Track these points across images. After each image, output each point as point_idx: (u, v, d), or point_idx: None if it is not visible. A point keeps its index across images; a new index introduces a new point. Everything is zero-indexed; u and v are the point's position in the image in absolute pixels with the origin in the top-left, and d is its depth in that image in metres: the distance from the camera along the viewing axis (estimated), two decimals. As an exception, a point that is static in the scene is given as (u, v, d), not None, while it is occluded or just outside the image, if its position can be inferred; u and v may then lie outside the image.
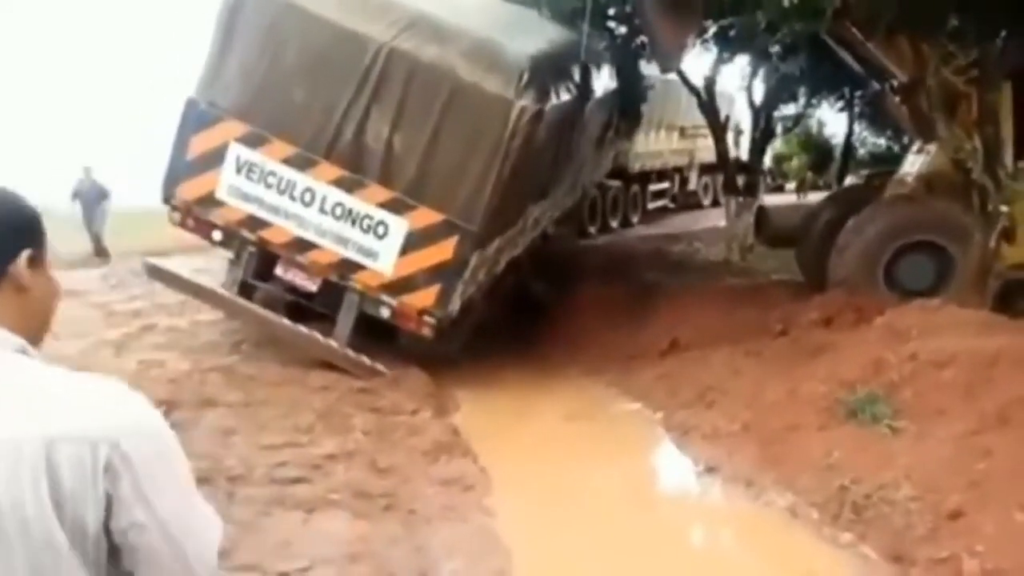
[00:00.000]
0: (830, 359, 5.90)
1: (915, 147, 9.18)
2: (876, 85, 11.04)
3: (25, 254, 1.22)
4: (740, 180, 13.55)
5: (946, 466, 4.22)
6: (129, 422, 1.14)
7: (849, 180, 16.39)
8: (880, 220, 7.83)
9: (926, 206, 7.94)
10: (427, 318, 6.94)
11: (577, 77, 8.25)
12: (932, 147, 8.34)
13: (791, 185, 23.07)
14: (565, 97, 7.77)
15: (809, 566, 4.13)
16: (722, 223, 16.45)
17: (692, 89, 12.85)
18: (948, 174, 7.77)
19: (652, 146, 17.37)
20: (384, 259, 6.93)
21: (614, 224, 16.84)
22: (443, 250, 6.86)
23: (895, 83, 8.59)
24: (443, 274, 6.89)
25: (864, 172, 15.45)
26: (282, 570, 3.83)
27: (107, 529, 1.12)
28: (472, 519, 4.71)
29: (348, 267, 6.95)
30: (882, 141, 17.36)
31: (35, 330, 1.26)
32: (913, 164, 8.84)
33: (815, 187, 22.38)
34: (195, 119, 7.04)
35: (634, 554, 4.42)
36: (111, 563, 1.15)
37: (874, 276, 7.70)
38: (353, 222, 6.93)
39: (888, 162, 15.47)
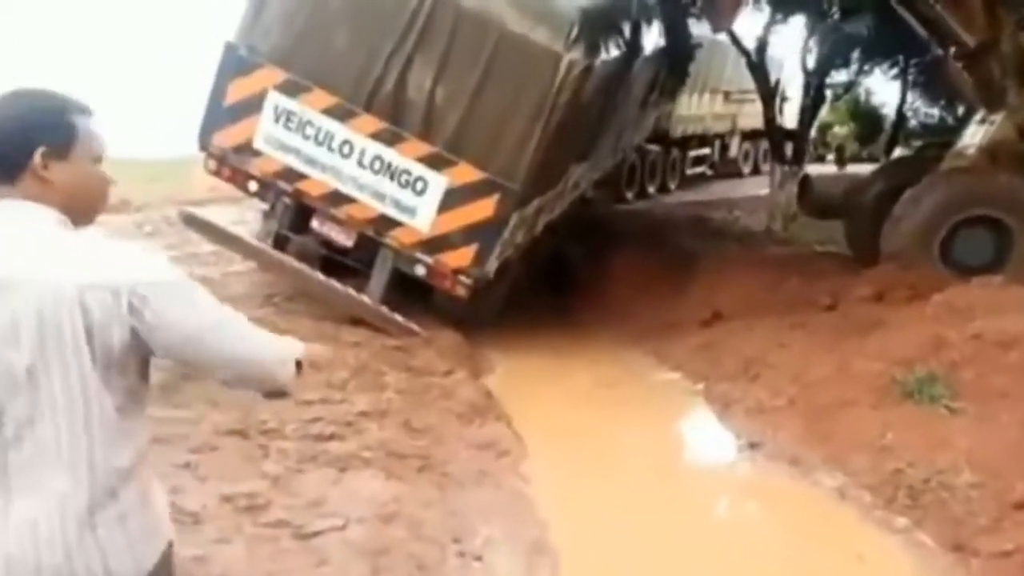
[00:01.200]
0: (883, 335, 5.65)
1: (977, 117, 8.75)
2: (935, 51, 10.54)
3: (39, 151, 1.45)
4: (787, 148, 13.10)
5: (1010, 452, 4.00)
6: (146, 274, 1.45)
7: (898, 152, 15.85)
8: (939, 192, 7.48)
9: (988, 179, 7.55)
10: (463, 278, 6.77)
11: (627, 32, 7.95)
12: (997, 117, 7.93)
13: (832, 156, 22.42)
14: (614, 53, 7.49)
15: (859, 550, 3.95)
16: (762, 192, 16.06)
17: (743, 51, 12.40)
18: (1014, 145, 7.38)
19: (695, 110, 16.93)
20: (421, 216, 6.75)
21: (652, 190, 16.49)
22: (482, 208, 6.66)
23: (959, 48, 8.15)
24: (481, 233, 6.70)
25: (915, 143, 14.97)
26: (316, 528, 3.73)
27: (139, 348, 1.45)
28: (507, 485, 4.59)
29: (384, 223, 6.79)
30: (935, 111, 16.71)
31: (72, 214, 1.51)
32: (975, 135, 8.43)
33: (857, 159, 21.76)
34: (233, 64, 6.87)
35: (673, 529, 4.28)
36: (142, 378, 1.51)
37: (929, 251, 7.37)
38: (391, 177, 6.75)
39: (941, 133, 14.92)
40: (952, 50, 8.37)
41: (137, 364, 1.49)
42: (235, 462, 4.33)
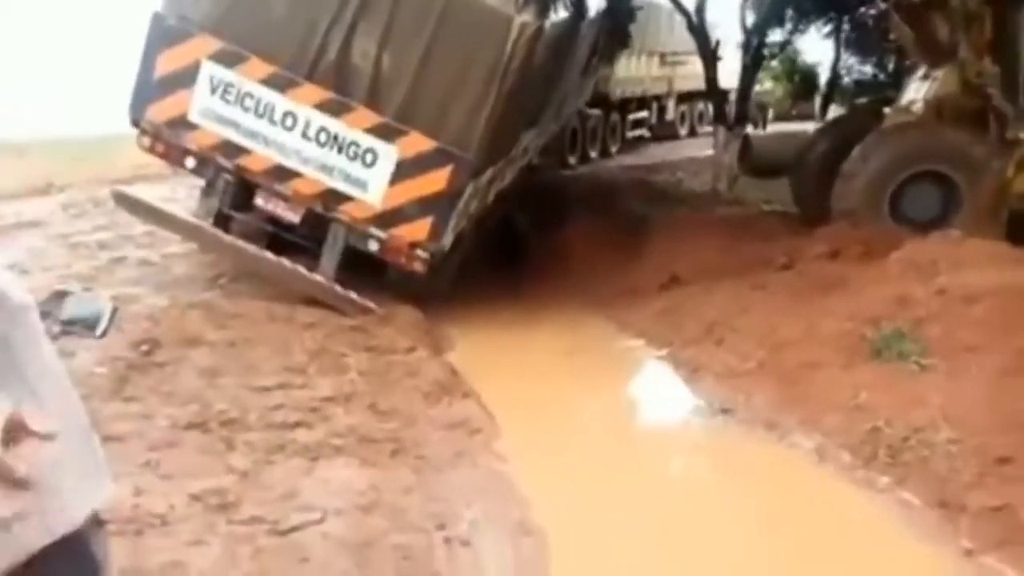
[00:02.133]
0: (847, 294, 5.68)
1: (919, 73, 8.87)
2: (868, 8, 10.66)
3: None
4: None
5: (985, 407, 4.05)
6: None
7: (834, 109, 16.10)
8: (888, 148, 7.56)
9: (935, 134, 7.66)
10: (419, 252, 6.56)
11: (573, -7, 7.77)
12: (940, 72, 8.03)
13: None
14: (562, 14, 7.30)
15: (843, 511, 3.96)
16: (703, 154, 16.16)
17: (683, 12, 12.32)
18: (959, 100, 7.49)
19: (633, 72, 16.88)
20: (373, 189, 6.50)
21: (594, 154, 16.44)
22: (436, 180, 6.44)
23: (901, 3, 8.22)
24: (436, 205, 6.49)
25: (851, 101, 15.20)
26: (293, 523, 3.54)
27: None
28: (484, 464, 4.45)
29: (334, 197, 6.51)
30: (867, 69, 17.03)
31: None
32: (918, 90, 8.54)
33: (785, 117, 22.06)
34: (163, 35, 6.45)
35: (654, 499, 4.23)
36: None
37: (879, 207, 7.47)
38: (339, 149, 6.46)
39: (875, 90, 15.17)
40: (893, 4, 8.43)
41: None
42: (198, 457, 4.10)
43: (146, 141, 6.67)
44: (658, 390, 5.90)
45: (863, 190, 7.49)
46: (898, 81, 14.39)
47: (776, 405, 4.87)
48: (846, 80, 17.37)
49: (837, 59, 16.36)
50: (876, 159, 7.52)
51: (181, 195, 10.07)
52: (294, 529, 3.51)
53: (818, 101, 19.25)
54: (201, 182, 7.17)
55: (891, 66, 15.83)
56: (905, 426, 4.15)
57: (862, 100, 13.62)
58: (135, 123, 6.62)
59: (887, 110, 9.69)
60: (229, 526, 3.49)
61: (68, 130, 13.28)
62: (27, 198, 10.60)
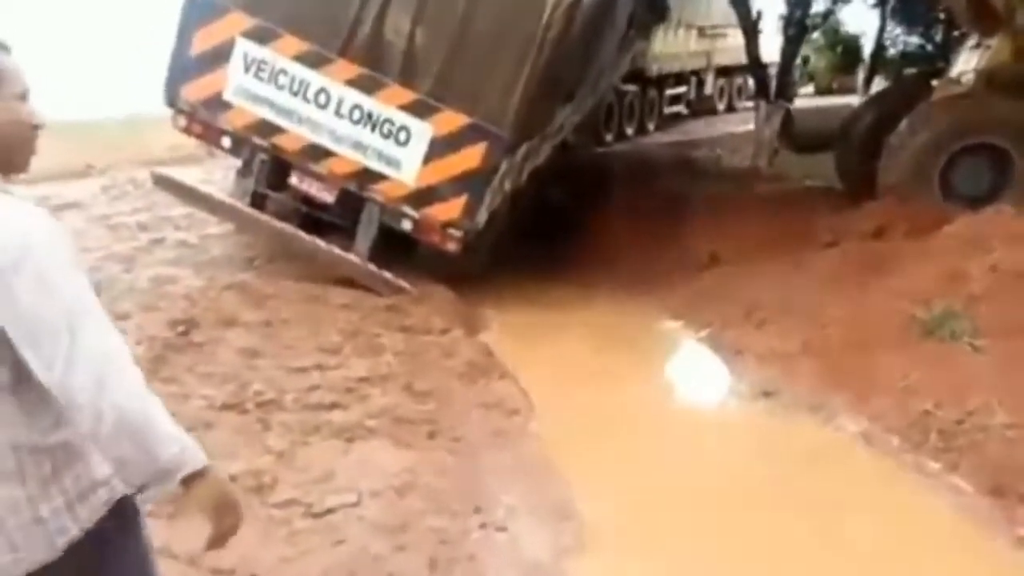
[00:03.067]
0: (895, 272, 5.48)
1: (969, 43, 8.52)
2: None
3: None
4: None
5: (1043, 390, 3.86)
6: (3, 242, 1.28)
7: (878, 82, 15.61)
8: (937, 121, 7.26)
9: (987, 105, 7.34)
10: (452, 231, 6.48)
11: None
12: (993, 42, 7.70)
13: (807, 89, 22.14)
14: (599, -15, 7.12)
15: (892, 497, 3.83)
16: (741, 129, 15.83)
17: (723, -18, 11.99)
18: (1013, 69, 7.17)
19: (670, 47, 16.51)
20: (406, 167, 6.42)
21: (630, 131, 16.16)
22: (470, 157, 6.34)
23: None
24: (470, 184, 6.39)
25: (897, 73, 14.74)
26: (329, 505, 3.52)
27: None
28: (522, 446, 4.40)
29: (367, 176, 6.45)
30: (914, 40, 16.46)
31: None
32: (968, 61, 8.21)
33: (826, 91, 21.49)
34: (197, 12, 6.40)
35: (695, 486, 4.12)
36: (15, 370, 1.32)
37: (929, 182, 7.19)
38: (372, 127, 6.39)
39: (922, 62, 14.70)
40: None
41: (14, 353, 1.32)
42: (235, 438, 4.09)
43: (182, 121, 6.65)
44: (698, 372, 5.77)
45: (911, 164, 7.22)
46: (946, 52, 13.93)
47: (821, 387, 4.73)
48: (891, 52, 16.82)
49: (882, 30, 15.82)
50: (925, 131, 7.24)
51: (217, 176, 10.11)
52: (329, 511, 3.49)
53: (861, 74, 18.70)
54: (237, 162, 7.17)
55: (939, 37, 15.28)
56: (958, 409, 3.99)
57: (909, 71, 13.22)
58: (170, 103, 6.61)
59: (935, 82, 9.37)
60: (265, 508, 3.47)
61: (105, 111, 13.39)
62: (66, 180, 10.72)
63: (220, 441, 4.03)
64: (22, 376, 1.33)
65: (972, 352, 4.45)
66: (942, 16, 14.63)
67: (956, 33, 14.23)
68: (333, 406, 4.49)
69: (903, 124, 7.43)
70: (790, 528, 3.68)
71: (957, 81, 8.18)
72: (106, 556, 1.47)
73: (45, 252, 1.31)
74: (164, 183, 6.97)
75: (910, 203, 6.95)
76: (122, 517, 1.50)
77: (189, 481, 1.39)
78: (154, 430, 1.34)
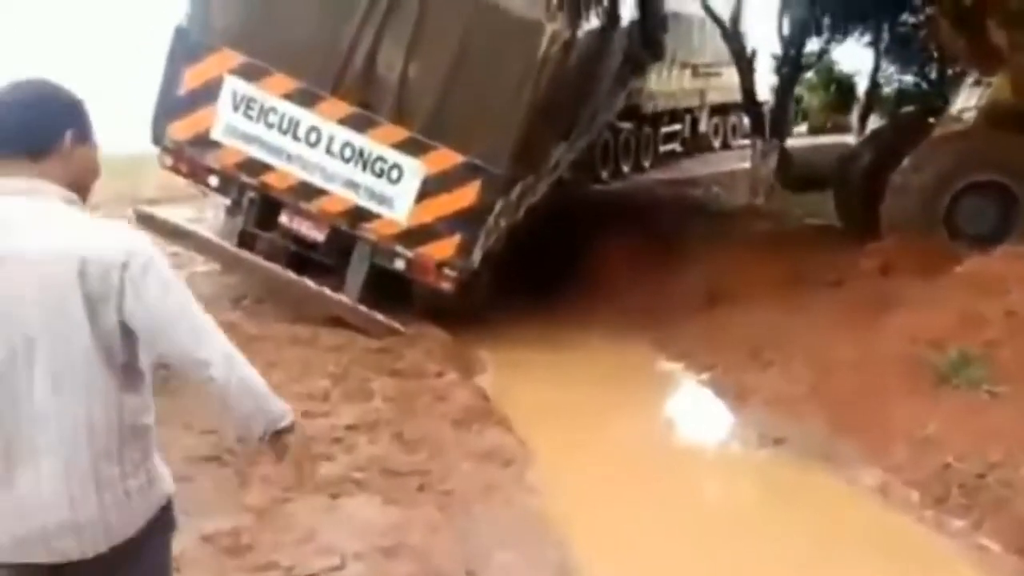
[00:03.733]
0: (905, 313, 5.29)
1: (969, 80, 8.45)
2: (908, 16, 10.25)
3: (69, 132, 1.63)
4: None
5: (1070, 441, 3.65)
6: (131, 250, 1.59)
7: (873, 120, 15.60)
8: (942, 158, 7.14)
9: (992, 142, 7.22)
10: (447, 271, 6.30)
11: (605, 1, 7.49)
12: (994, 78, 7.61)
13: (800, 128, 22.17)
14: (595, 23, 7.03)
15: (913, 556, 3.59)
16: (737, 167, 15.76)
17: (717, 21, 11.99)
18: (1016, 106, 7.07)
19: (665, 85, 16.51)
20: (399, 206, 6.26)
21: (626, 169, 16.07)
22: (464, 196, 6.19)
23: (949, 6, 7.81)
24: (464, 222, 6.23)
25: (892, 111, 14.73)
26: (310, 570, 3.27)
27: (121, 322, 1.58)
28: (517, 500, 4.14)
29: (359, 215, 6.28)
30: (908, 78, 16.51)
31: (78, 193, 1.66)
32: (969, 98, 8.12)
33: (820, 129, 21.49)
34: (185, 49, 6.28)
35: (704, 541, 3.88)
36: (128, 356, 1.62)
37: (933, 220, 7.04)
38: (364, 165, 6.24)
39: (918, 99, 14.70)
40: (941, 10, 8.04)
41: (129, 343, 1.62)
42: (213, 494, 3.83)
43: (168, 160, 6.51)
44: (702, 417, 5.54)
45: (915, 202, 7.07)
46: (941, 89, 13.94)
47: (833, 435, 4.51)
48: (886, 90, 16.86)
49: (877, 68, 15.88)
50: (929, 169, 7.11)
51: (208, 215, 9.94)
52: (311, 576, 3.24)
53: (856, 112, 18.72)
54: (227, 201, 7.00)
55: (933, 74, 15.31)
56: (980, 462, 3.77)
57: (906, 109, 13.18)
58: (156, 141, 6.46)
59: (932, 120, 9.28)
60: (241, 573, 3.22)
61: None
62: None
63: (197, 497, 3.77)
64: (131, 363, 1.63)
65: (991, 400, 4.24)
66: (936, 54, 14.67)
67: (951, 71, 14.29)
68: (318, 458, 4.24)
69: (906, 162, 7.30)
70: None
71: (958, 118, 8.09)
72: (145, 548, 1.70)
73: (160, 260, 1.63)
74: (147, 221, 6.77)
75: (915, 242, 6.79)
76: (166, 518, 1.77)
77: (281, 432, 1.77)
78: (265, 392, 1.74)
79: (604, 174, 14.96)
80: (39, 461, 1.54)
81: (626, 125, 15.35)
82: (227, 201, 7.04)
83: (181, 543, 3.34)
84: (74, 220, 1.60)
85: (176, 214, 8.67)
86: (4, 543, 1.55)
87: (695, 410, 5.70)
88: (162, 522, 1.75)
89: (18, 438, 1.54)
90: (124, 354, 1.60)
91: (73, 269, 1.53)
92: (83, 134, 1.66)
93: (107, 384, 1.58)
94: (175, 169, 6.60)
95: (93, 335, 1.55)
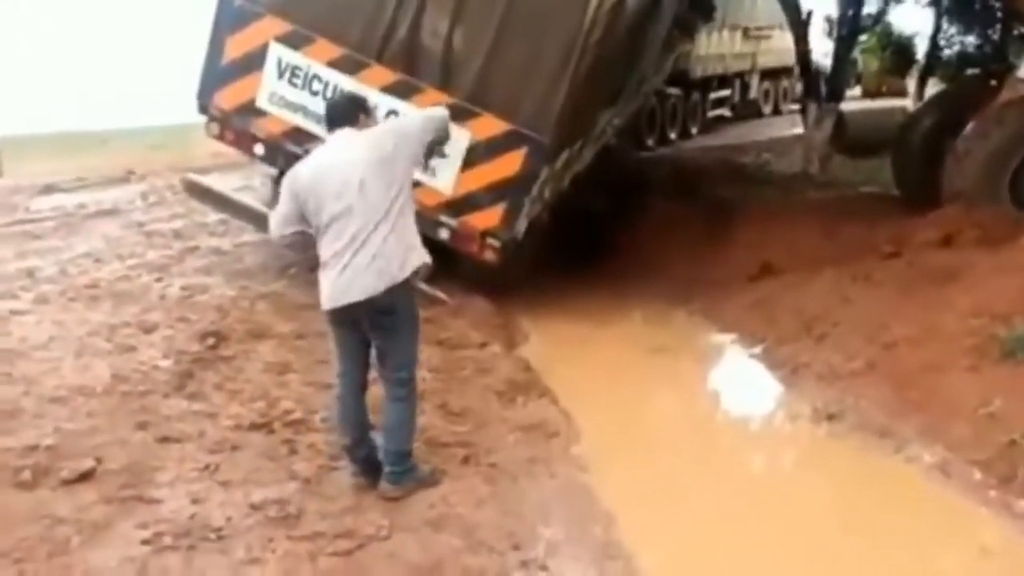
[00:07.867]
0: (967, 285, 5.08)
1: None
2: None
3: (361, 114, 3.62)
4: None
5: None
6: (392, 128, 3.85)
7: (932, 83, 15.01)
8: (1009, 123, 6.82)
9: (1065, 107, 6.87)
10: (491, 240, 6.23)
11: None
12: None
13: (853, 91, 21.44)
14: (643, -16, 6.82)
15: (975, 538, 3.46)
16: (788, 132, 15.35)
17: (772, -19, 11.57)
18: (1092, 69, 6.70)
19: (714, 49, 16.11)
20: (443, 175, 6.17)
21: (673, 135, 15.78)
22: (509, 164, 6.08)
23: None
24: (509, 191, 6.13)
25: (954, 75, 14.13)
26: (357, 541, 3.26)
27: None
28: (562, 474, 4.09)
29: None
30: (970, 40, 15.79)
31: None
32: (1039, 60, 7.73)
33: (877, 93, 20.77)
34: (230, 17, 6.25)
35: (755, 521, 3.76)
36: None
37: (998, 188, 6.75)
38: (409, 133, 6.15)
39: (980, 63, 14.07)
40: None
41: (405, 176, 3.50)
42: (260, 462, 3.87)
43: (214, 128, 6.51)
44: (753, 392, 5.40)
45: (980, 169, 6.78)
46: (1005, 52, 13.32)
47: (891, 412, 4.35)
48: (947, 53, 16.17)
49: (937, 30, 15.23)
50: (995, 135, 6.80)
51: (257, 183, 10.00)
52: (358, 547, 3.24)
53: (914, 75, 18.04)
54: (274, 171, 7.01)
55: (997, 36, 14.61)
56: (1048, 440, 3.60)
57: (970, 73, 12.64)
58: (203, 110, 6.47)
59: (995, 83, 8.87)
60: (288, 542, 3.23)
61: (149, 119, 13.46)
62: (107, 187, 10.71)
63: (245, 465, 3.81)
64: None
65: (1061, 376, 4.05)
66: (1000, 15, 14.00)
67: (1016, 33, 13.64)
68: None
69: (970, 127, 7.00)
70: (862, 569, 3.33)
71: (1024, 82, 7.71)
72: (403, 298, 3.51)
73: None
74: (193, 189, 6.79)
75: (978, 211, 6.52)
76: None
77: None
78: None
79: (650, 141, 14.71)
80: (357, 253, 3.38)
81: (673, 90, 15.04)
82: (274, 171, 7.05)
83: (227, 512, 3.39)
84: (370, 135, 3.52)
85: (224, 181, 8.74)
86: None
87: (745, 384, 5.56)
88: (410, 285, 3.54)
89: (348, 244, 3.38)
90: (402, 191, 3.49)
91: (379, 148, 3.44)
92: (368, 113, 3.71)
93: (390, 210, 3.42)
94: (221, 138, 6.60)
95: (390, 180, 3.45)
